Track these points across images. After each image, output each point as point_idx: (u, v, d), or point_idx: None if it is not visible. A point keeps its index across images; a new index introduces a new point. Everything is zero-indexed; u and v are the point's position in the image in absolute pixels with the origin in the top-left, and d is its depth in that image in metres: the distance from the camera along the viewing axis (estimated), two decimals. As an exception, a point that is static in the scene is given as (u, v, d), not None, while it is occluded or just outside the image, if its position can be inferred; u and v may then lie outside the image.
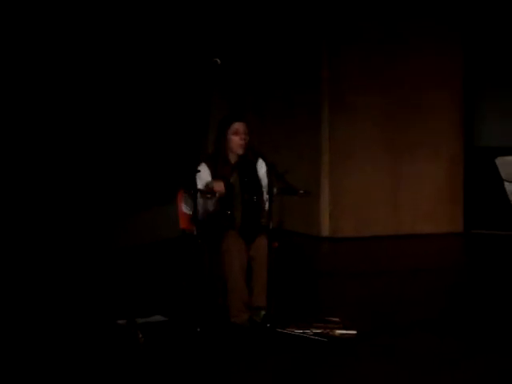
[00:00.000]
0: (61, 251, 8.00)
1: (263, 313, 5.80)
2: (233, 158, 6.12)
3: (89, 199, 8.45)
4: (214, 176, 6.02)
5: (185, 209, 6.04)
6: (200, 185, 5.89)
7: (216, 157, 6.11)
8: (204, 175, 5.99)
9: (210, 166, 6.04)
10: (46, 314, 6.41)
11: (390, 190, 9.84)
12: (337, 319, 6.03)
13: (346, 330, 5.86)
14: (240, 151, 6.07)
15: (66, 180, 8.24)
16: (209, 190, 5.92)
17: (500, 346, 5.60)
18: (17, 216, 7.75)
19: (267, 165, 5.97)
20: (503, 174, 5.88)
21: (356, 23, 9.63)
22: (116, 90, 8.79)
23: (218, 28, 9.81)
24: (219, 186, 5.94)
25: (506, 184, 5.90)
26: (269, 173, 5.91)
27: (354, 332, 5.83)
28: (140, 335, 5.59)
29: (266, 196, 6.02)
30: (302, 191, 5.97)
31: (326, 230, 9.81)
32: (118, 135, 8.85)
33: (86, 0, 8.41)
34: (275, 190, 6.01)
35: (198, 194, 5.81)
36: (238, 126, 6.09)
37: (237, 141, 6.06)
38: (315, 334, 5.77)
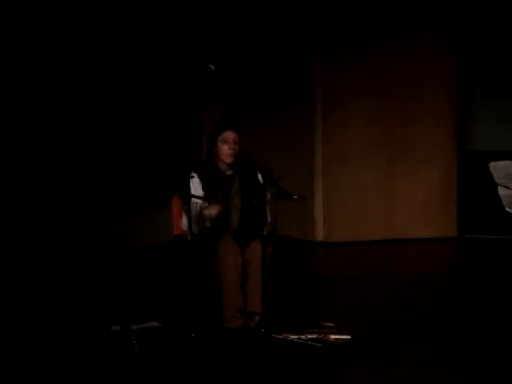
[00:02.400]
0: (55, 257, 7.98)
1: (258, 318, 5.80)
2: (223, 167, 6.13)
3: (82, 205, 8.44)
4: (204, 185, 6.02)
5: (183, 225, 5.99)
6: (193, 191, 5.89)
7: (207, 165, 6.12)
8: (195, 184, 5.99)
9: (200, 175, 6.04)
10: (40, 319, 6.40)
11: (383, 194, 9.85)
12: (331, 324, 6.03)
13: (341, 334, 5.86)
14: (228, 160, 6.09)
15: (60, 186, 8.23)
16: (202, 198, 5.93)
17: (494, 351, 5.60)
18: (10, 221, 7.74)
19: (262, 171, 5.98)
20: (496, 179, 5.89)
21: (349, 26, 9.64)
22: (109, 96, 8.79)
23: (211, 32, 9.82)
24: (214, 210, 5.94)
25: (500, 188, 5.91)
26: (263, 178, 5.91)
27: (349, 337, 5.84)
28: (134, 341, 5.59)
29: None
30: (296, 196, 5.97)
31: (320, 235, 9.81)
32: (112, 141, 8.84)
33: (83, 3, 8.41)
34: (269, 196, 6.02)
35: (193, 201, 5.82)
36: (227, 134, 6.10)
37: (225, 149, 6.08)
38: (310, 339, 5.78)
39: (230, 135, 6.08)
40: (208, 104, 9.67)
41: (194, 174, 5.99)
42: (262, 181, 6.08)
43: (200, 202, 5.97)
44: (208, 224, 6.00)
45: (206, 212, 5.97)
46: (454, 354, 5.58)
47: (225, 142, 6.08)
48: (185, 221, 5.91)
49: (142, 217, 9.04)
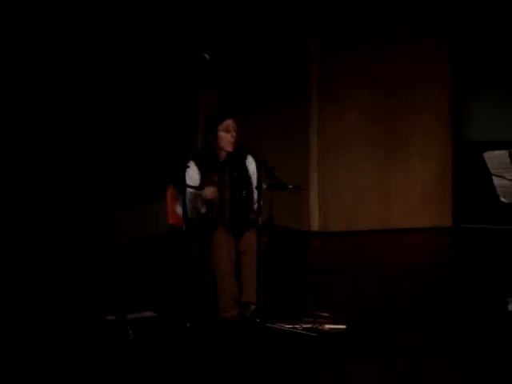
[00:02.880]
0: (50, 247, 7.98)
1: (253, 308, 5.81)
2: (221, 155, 6.11)
3: (77, 195, 8.43)
4: (203, 172, 6.00)
5: (178, 210, 5.99)
6: (189, 181, 5.88)
7: (205, 153, 6.10)
8: (192, 173, 5.98)
9: (198, 163, 6.03)
10: (36, 309, 6.40)
11: (379, 184, 9.85)
12: (326, 314, 6.04)
13: (336, 324, 5.87)
14: (229, 148, 6.07)
15: (55, 177, 8.22)
16: (198, 188, 5.93)
17: (490, 341, 5.61)
18: (4, 211, 7.73)
19: (257, 161, 5.97)
20: (491, 168, 5.89)
21: (345, 18, 9.63)
22: (105, 86, 8.77)
23: (206, 23, 9.79)
24: (212, 193, 5.94)
25: (495, 178, 5.91)
26: (258, 168, 5.91)
27: (344, 327, 5.84)
28: (130, 331, 5.59)
29: (255, 191, 6.02)
30: (291, 186, 5.97)
31: (315, 225, 9.81)
32: (106, 131, 8.82)
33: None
34: (264, 186, 6.02)
35: (188, 190, 5.81)
36: (228, 122, 6.08)
37: (228, 138, 6.06)
38: (305, 328, 5.79)
39: (231, 123, 6.07)
40: (203, 95, 9.66)
41: (190, 163, 5.98)
42: (252, 171, 6.08)
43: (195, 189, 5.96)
44: (203, 210, 5.99)
45: (207, 192, 5.94)
46: (451, 343, 5.59)
47: (227, 130, 6.06)
48: (179, 209, 5.92)
49: (138, 207, 9.03)
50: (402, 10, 9.68)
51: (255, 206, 5.94)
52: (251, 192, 6.06)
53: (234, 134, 6.06)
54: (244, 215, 6.04)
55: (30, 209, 7.96)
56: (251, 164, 6.12)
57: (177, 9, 9.51)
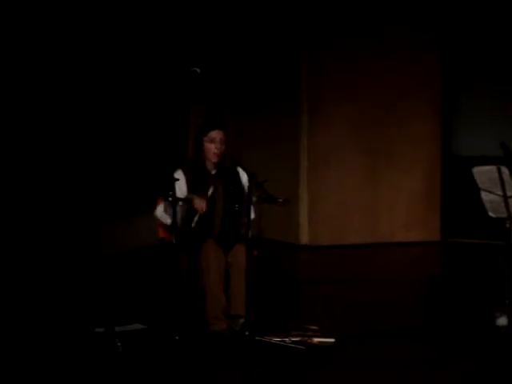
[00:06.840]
0: (39, 259, 7.96)
1: (242, 321, 5.80)
2: (209, 166, 6.13)
3: (68, 207, 8.42)
4: (190, 183, 6.02)
5: (161, 217, 6.03)
6: (178, 192, 5.88)
7: (193, 164, 6.12)
8: (181, 184, 5.99)
9: (186, 173, 6.04)
10: (24, 320, 6.38)
11: (368, 198, 9.88)
12: (315, 327, 6.04)
13: (324, 337, 5.87)
14: (214, 159, 6.10)
15: (44, 189, 8.21)
16: (188, 201, 5.94)
17: (477, 355, 5.63)
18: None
19: (247, 174, 5.98)
20: (480, 184, 5.93)
21: (334, 33, 9.68)
22: (94, 99, 8.78)
23: (197, 36, 9.83)
24: (200, 204, 5.95)
25: (483, 193, 5.95)
26: (249, 182, 5.92)
27: (332, 340, 5.85)
28: (118, 343, 5.58)
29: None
30: (281, 200, 5.98)
31: (304, 238, 9.82)
32: (97, 143, 8.83)
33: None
34: (254, 199, 6.03)
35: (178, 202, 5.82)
36: (214, 134, 6.11)
37: (212, 149, 6.09)
38: (293, 342, 5.78)
39: (216, 135, 6.09)
40: (194, 108, 9.68)
41: (179, 173, 5.99)
42: (245, 184, 6.09)
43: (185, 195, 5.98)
44: (193, 224, 6.00)
45: (197, 204, 5.96)
46: (440, 357, 5.60)
47: (212, 141, 6.09)
48: (160, 209, 5.93)
49: (128, 219, 9.03)
50: (391, 24, 9.74)
51: (245, 220, 5.94)
52: (243, 205, 6.06)
53: (219, 145, 6.07)
54: (235, 228, 6.04)
55: (20, 218, 7.95)
56: (243, 177, 6.13)
57: (170, 22, 9.53)
